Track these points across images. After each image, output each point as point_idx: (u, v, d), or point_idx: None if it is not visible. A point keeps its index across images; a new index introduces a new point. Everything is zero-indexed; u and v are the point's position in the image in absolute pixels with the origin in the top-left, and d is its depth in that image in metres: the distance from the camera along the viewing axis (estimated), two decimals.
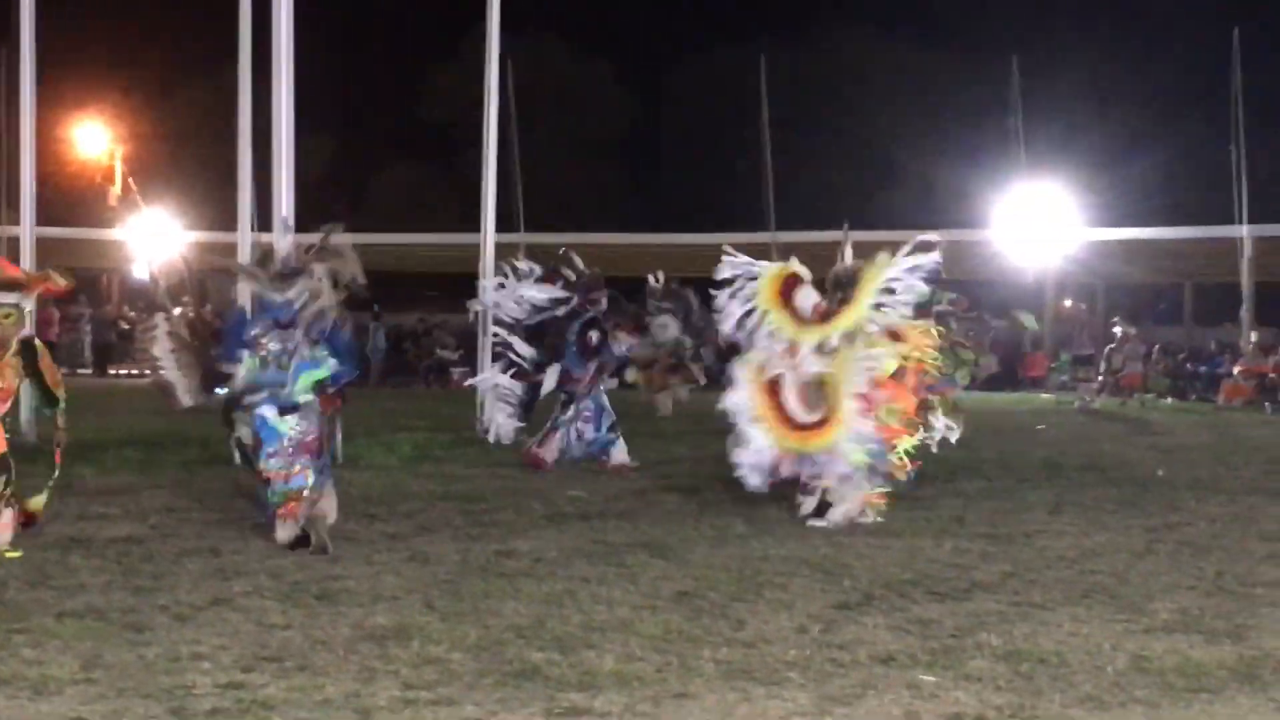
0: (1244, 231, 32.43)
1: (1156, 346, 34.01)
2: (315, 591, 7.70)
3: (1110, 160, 42.46)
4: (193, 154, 46.06)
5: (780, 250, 35.99)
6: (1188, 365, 33.55)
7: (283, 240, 10.59)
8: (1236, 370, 30.80)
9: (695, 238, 37.63)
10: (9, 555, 8.51)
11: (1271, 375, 30.12)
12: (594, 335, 14.88)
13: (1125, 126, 47.39)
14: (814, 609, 7.50)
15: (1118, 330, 32.63)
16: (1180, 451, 17.71)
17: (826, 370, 10.88)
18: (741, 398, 11.05)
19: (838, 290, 11.26)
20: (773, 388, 11.06)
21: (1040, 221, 33.83)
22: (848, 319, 10.94)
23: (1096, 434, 20.88)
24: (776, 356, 11.09)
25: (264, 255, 10.13)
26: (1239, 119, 33.55)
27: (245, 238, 18.47)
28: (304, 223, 16.73)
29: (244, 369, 9.41)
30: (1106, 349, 32.07)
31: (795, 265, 11.52)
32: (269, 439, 9.27)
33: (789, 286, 11.32)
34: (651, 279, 16.44)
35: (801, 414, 10.95)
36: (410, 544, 9.34)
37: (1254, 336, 31.86)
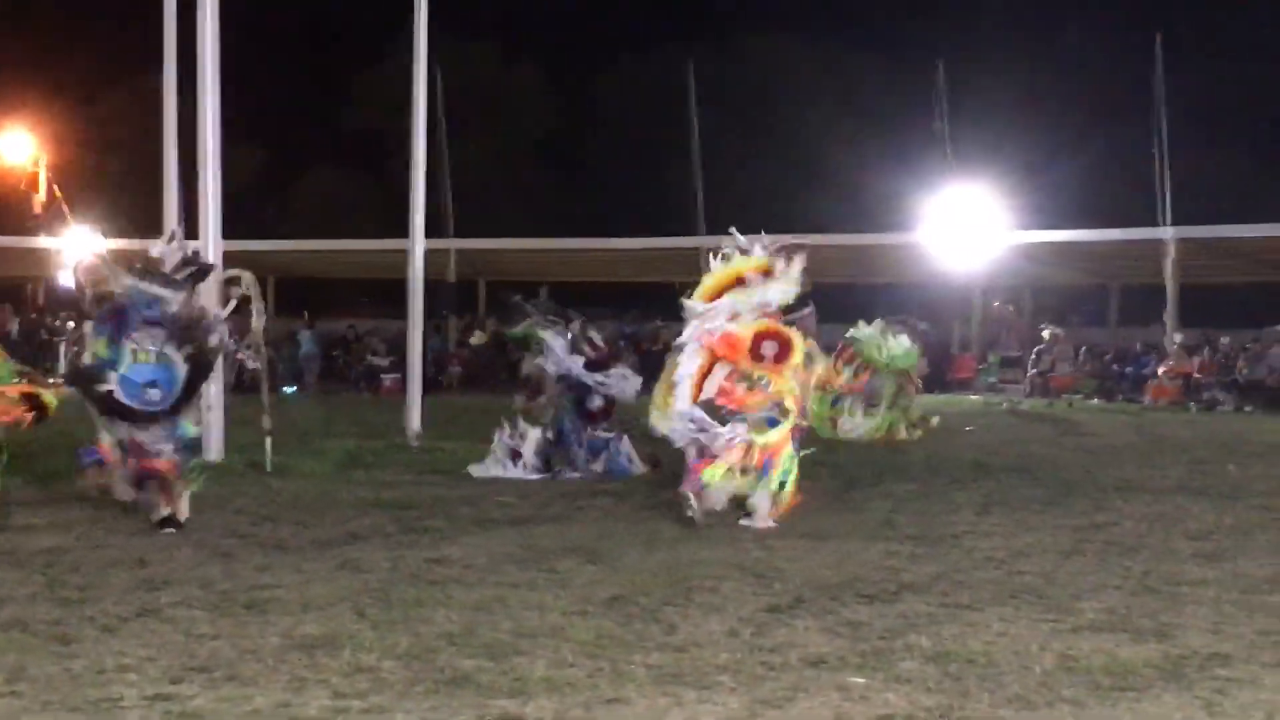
0: (1168, 233, 32.77)
1: (1084, 348, 34.32)
2: (244, 601, 7.65)
3: (1036, 163, 42.83)
4: (118, 161, 45.71)
5: (711, 254, 36.16)
6: (1114, 366, 33.85)
7: (164, 247, 10.90)
8: (1161, 371, 31.11)
9: (625, 242, 37.76)
10: None
11: (1196, 375, 30.47)
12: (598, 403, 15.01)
13: (1050, 130, 47.81)
14: (745, 612, 7.52)
15: (1046, 332, 32.94)
16: (1107, 452, 17.90)
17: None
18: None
19: None
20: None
21: (967, 224, 34.04)
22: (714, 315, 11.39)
23: (1024, 435, 21.04)
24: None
25: (146, 261, 10.83)
26: (1162, 122, 33.92)
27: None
28: (232, 230, 16.69)
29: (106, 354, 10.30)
30: (1035, 350, 32.33)
31: (756, 262, 11.98)
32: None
33: (731, 285, 11.75)
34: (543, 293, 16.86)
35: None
36: (341, 552, 9.30)
37: (1178, 337, 32.18)
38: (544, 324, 16.00)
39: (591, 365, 14.96)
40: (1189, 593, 8.16)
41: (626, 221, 42.82)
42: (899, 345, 19.48)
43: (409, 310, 18.73)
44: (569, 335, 15.31)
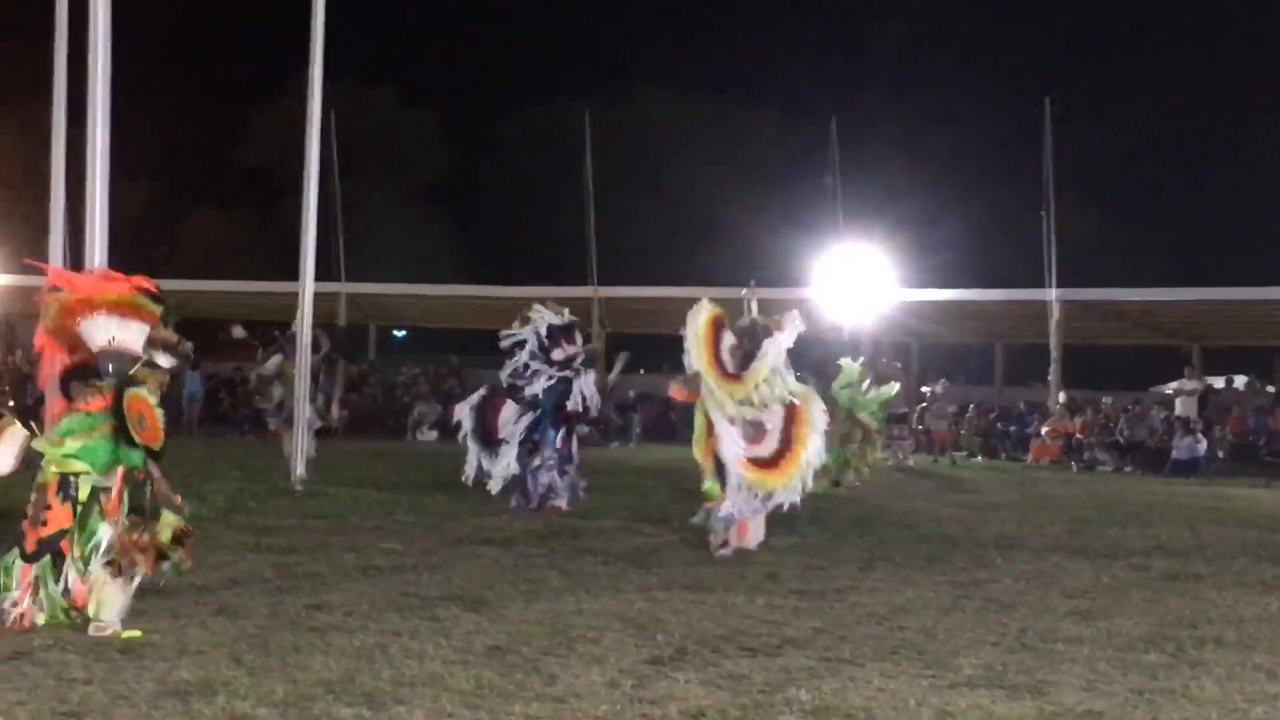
0: (1053, 295, 33.33)
1: (971, 405, 34.74)
2: (119, 645, 7.53)
3: (925, 222, 43.41)
4: (2, 195, 44.98)
5: (602, 305, 36.35)
6: (998, 424, 34.28)
7: None
8: (1044, 430, 31.54)
9: (516, 290, 37.70)
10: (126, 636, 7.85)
11: (1077, 435, 30.91)
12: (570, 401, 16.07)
13: (939, 190, 48.51)
14: (626, 664, 7.51)
15: (926, 389, 33.36)
16: (988, 509, 18.07)
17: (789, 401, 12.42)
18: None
19: (744, 338, 12.45)
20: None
21: (857, 281, 34.38)
22: (758, 373, 12.22)
23: (909, 491, 21.22)
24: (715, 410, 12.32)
25: None
26: (1049, 185, 34.53)
27: None
28: (118, 266, 16.46)
29: None
30: (919, 407, 32.66)
31: (716, 308, 12.56)
32: None
33: (717, 330, 12.39)
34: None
35: (753, 451, 12.29)
36: (219, 597, 9.16)
37: (1061, 397, 32.69)
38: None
39: None
40: (1065, 650, 8.25)
41: (518, 269, 42.92)
42: (874, 391, 20.62)
43: (296, 354, 18.54)
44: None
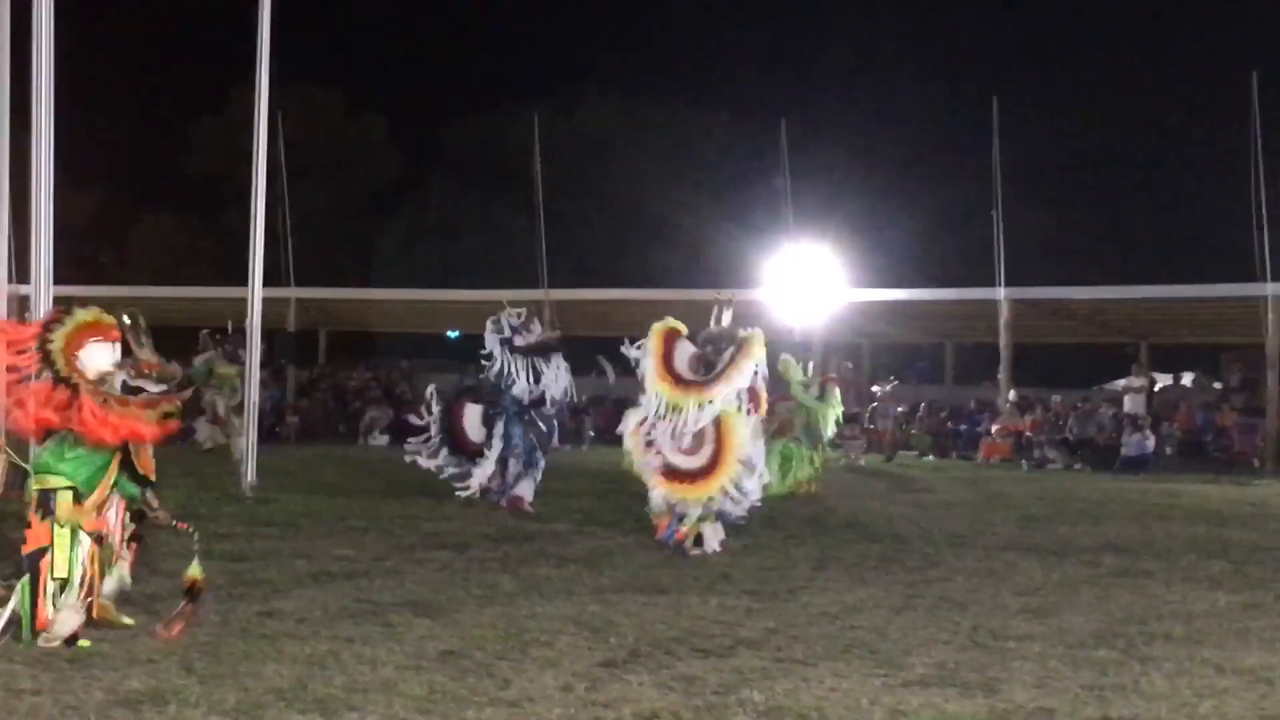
0: (1001, 294, 33.45)
1: (922, 405, 34.84)
2: (67, 655, 7.47)
3: (875, 223, 43.49)
4: None
5: (553, 307, 36.32)
6: (948, 423, 34.39)
7: None
8: (994, 429, 31.67)
9: (466, 294, 37.66)
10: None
11: (1027, 434, 31.05)
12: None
13: (889, 191, 48.61)
14: (580, 667, 7.51)
15: (876, 389, 33.47)
16: (940, 508, 18.15)
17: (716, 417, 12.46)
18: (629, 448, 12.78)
19: (708, 345, 12.78)
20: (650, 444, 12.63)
21: (807, 281, 34.43)
22: (723, 386, 12.41)
23: (861, 491, 21.28)
24: (656, 417, 12.54)
25: None
26: (998, 184, 34.65)
27: (1, 289, 17.91)
28: (66, 273, 16.35)
29: None
30: (870, 407, 32.76)
31: (673, 321, 12.91)
32: None
33: (670, 342, 12.69)
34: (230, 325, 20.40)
35: (683, 463, 12.53)
36: (169, 605, 9.05)
37: (1011, 395, 32.83)
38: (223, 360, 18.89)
39: None
40: (1016, 648, 8.30)
41: (469, 274, 42.79)
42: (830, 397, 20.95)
43: (247, 359, 18.46)
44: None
